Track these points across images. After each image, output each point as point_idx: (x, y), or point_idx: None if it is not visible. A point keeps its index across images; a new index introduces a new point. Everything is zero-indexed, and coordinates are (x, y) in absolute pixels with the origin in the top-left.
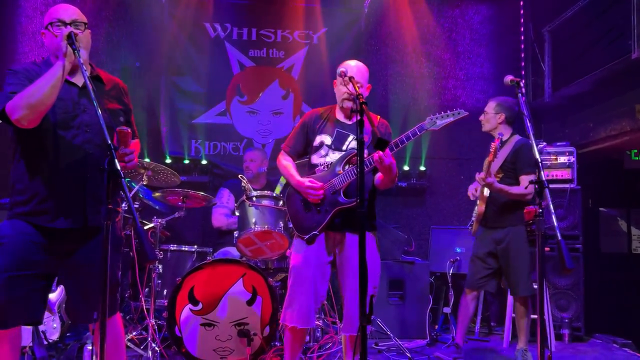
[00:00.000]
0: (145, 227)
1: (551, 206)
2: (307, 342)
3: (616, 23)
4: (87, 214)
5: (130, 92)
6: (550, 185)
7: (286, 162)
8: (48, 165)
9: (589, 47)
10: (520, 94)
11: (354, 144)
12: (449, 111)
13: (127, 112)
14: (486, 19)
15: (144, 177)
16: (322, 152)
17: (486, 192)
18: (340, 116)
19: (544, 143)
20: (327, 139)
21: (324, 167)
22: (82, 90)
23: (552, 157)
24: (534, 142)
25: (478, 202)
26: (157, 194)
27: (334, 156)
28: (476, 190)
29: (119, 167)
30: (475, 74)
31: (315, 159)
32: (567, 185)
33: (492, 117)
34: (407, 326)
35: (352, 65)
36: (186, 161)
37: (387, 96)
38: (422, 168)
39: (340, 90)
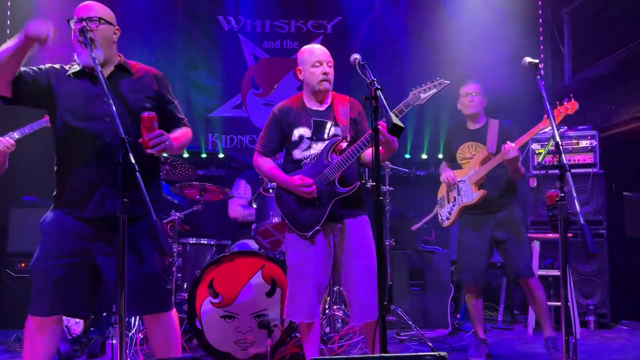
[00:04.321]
0: (164, 221)
1: (574, 191)
2: (328, 333)
3: (638, 1)
4: (106, 203)
5: None
6: (573, 170)
7: (267, 164)
8: (72, 156)
9: (610, 27)
10: (538, 76)
11: (334, 131)
12: (428, 82)
13: (159, 99)
14: (503, 3)
15: (162, 171)
16: (304, 145)
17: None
18: (311, 103)
19: (565, 127)
20: (306, 131)
21: (310, 160)
22: (107, 80)
23: (573, 141)
24: (554, 125)
25: (471, 187)
26: (174, 188)
27: (318, 147)
28: (451, 180)
29: (133, 161)
30: (493, 59)
31: (298, 153)
32: (589, 170)
33: (482, 98)
34: (429, 316)
35: (321, 47)
36: (203, 155)
37: (403, 84)
38: (441, 156)
39: (315, 73)
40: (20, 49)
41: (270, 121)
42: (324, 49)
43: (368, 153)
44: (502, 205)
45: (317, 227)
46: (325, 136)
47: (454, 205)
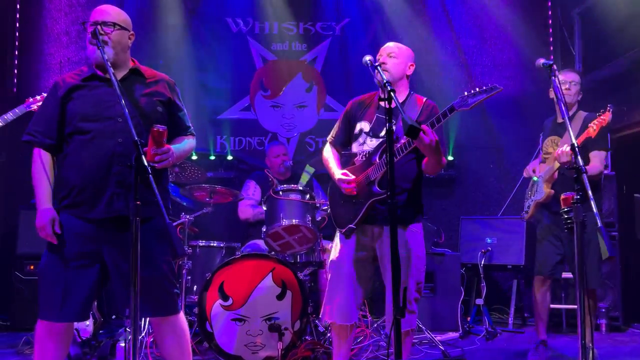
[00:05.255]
0: (174, 224)
1: (590, 193)
2: None
3: None
4: (115, 204)
5: None
6: None
7: (328, 154)
8: (82, 157)
9: (621, 27)
10: (553, 77)
11: (393, 129)
12: (484, 87)
13: (170, 105)
14: (513, 3)
15: (171, 173)
16: (361, 139)
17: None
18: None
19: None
20: (366, 126)
21: (362, 157)
22: (120, 83)
23: None
24: (569, 126)
25: (543, 184)
26: (184, 191)
27: (372, 143)
28: (534, 171)
29: (146, 163)
30: (503, 60)
31: (355, 147)
32: None
33: (579, 90)
34: (439, 319)
35: (389, 43)
36: (212, 157)
37: (412, 86)
38: (450, 158)
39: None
40: None
41: (343, 113)
42: (393, 43)
43: (425, 160)
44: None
45: (351, 226)
46: (382, 133)
47: (532, 200)
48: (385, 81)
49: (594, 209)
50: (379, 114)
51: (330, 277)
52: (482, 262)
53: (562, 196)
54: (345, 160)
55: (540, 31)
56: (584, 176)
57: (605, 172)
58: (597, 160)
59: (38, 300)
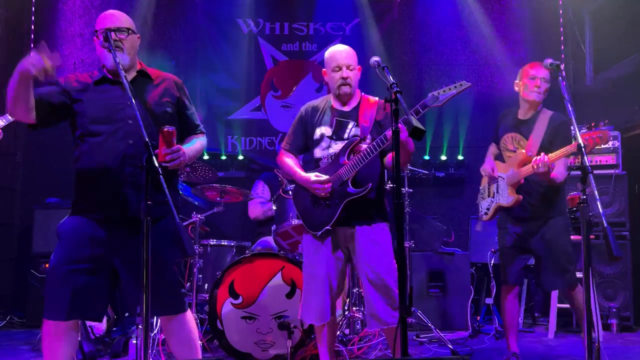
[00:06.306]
0: (185, 223)
1: (596, 192)
2: (348, 335)
3: None
4: (127, 205)
5: None
6: (595, 171)
7: (287, 159)
8: (94, 160)
9: (632, 26)
10: (560, 78)
11: (355, 131)
12: (450, 84)
13: (178, 105)
14: (523, 3)
15: (183, 173)
16: (324, 144)
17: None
18: (336, 104)
19: (586, 129)
20: (327, 130)
21: (327, 159)
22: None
23: None
24: (576, 126)
25: (507, 188)
26: (195, 190)
27: (337, 146)
28: (493, 171)
29: (157, 164)
30: (513, 60)
31: (318, 152)
32: (612, 171)
33: (548, 88)
34: (449, 318)
35: (342, 50)
36: (223, 157)
37: (422, 85)
38: (460, 157)
39: (334, 77)
40: (18, 84)
41: (297, 120)
42: (347, 51)
43: (389, 157)
44: (541, 214)
45: (327, 227)
46: (346, 136)
47: (492, 202)
48: (391, 82)
49: (600, 209)
50: (337, 117)
51: (305, 279)
52: (492, 262)
53: (569, 196)
54: (307, 164)
55: (551, 30)
56: (591, 176)
57: (616, 171)
58: (562, 167)
59: (44, 300)
